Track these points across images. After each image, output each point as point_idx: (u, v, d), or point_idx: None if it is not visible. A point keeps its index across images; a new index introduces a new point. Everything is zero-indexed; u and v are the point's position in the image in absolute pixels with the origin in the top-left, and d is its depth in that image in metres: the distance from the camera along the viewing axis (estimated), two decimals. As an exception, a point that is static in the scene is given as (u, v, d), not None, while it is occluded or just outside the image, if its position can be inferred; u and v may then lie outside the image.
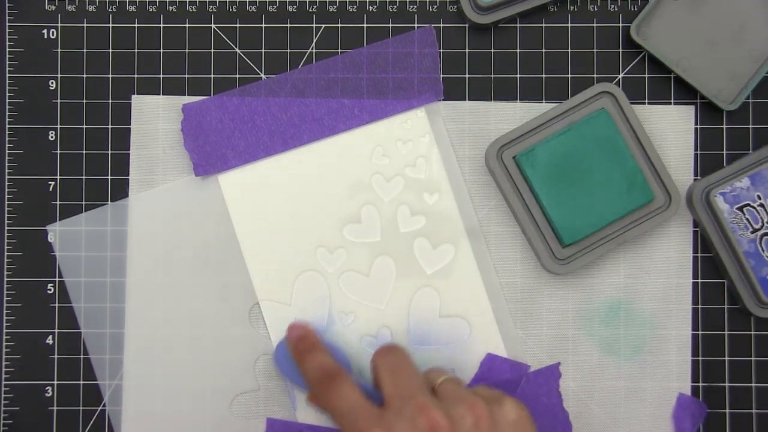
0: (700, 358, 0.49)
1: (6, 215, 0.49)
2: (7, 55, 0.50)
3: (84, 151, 0.49)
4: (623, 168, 0.46)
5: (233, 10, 0.50)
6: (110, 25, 0.50)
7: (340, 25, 0.50)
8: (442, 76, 0.49)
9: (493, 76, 0.50)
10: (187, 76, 0.50)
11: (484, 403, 0.39)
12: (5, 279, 0.49)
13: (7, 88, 0.50)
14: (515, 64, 0.50)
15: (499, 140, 0.47)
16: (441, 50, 0.50)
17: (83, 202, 0.49)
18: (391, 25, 0.50)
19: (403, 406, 0.39)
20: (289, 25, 0.50)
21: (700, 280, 0.49)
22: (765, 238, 0.47)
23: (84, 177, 0.49)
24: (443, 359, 0.48)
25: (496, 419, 0.39)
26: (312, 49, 0.50)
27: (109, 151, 0.49)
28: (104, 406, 0.49)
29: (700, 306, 0.49)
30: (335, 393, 0.41)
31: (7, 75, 0.50)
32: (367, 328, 0.49)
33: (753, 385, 0.49)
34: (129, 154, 0.49)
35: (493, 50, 0.50)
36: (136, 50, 0.50)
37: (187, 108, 0.49)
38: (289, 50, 0.50)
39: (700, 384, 0.49)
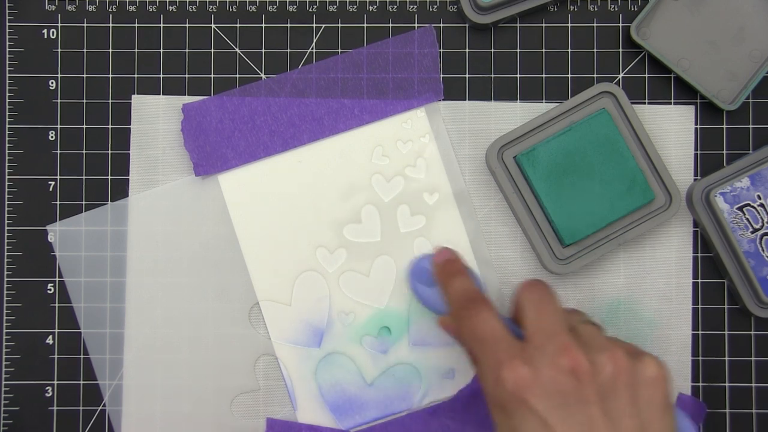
0: (700, 358, 0.49)
1: (6, 215, 0.49)
2: (7, 55, 0.50)
3: (84, 151, 0.49)
4: (624, 168, 0.46)
5: (233, 10, 0.50)
6: (110, 25, 0.50)
7: (340, 25, 0.50)
8: (442, 76, 0.49)
9: (493, 76, 0.50)
10: (187, 76, 0.50)
11: (625, 354, 0.38)
12: (5, 279, 0.49)
13: (7, 88, 0.50)
14: (515, 64, 0.50)
15: (499, 140, 0.47)
16: (441, 50, 0.50)
17: (83, 202, 0.49)
18: (391, 25, 0.50)
19: (545, 342, 0.38)
20: (289, 25, 0.50)
21: (700, 280, 0.49)
22: (765, 238, 0.47)
23: (84, 177, 0.49)
24: (443, 359, 0.48)
25: (635, 373, 0.38)
26: (312, 49, 0.50)
27: (109, 151, 0.49)
28: (104, 406, 0.49)
29: (700, 306, 0.49)
30: (478, 319, 0.40)
31: (7, 75, 0.50)
32: (367, 328, 0.49)
33: (753, 385, 0.49)
34: (129, 154, 0.49)
35: (493, 50, 0.50)
36: (136, 50, 0.50)
37: (187, 108, 0.49)
38: (289, 50, 0.50)
39: (700, 384, 0.49)
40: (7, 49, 0.50)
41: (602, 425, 0.36)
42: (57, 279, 0.49)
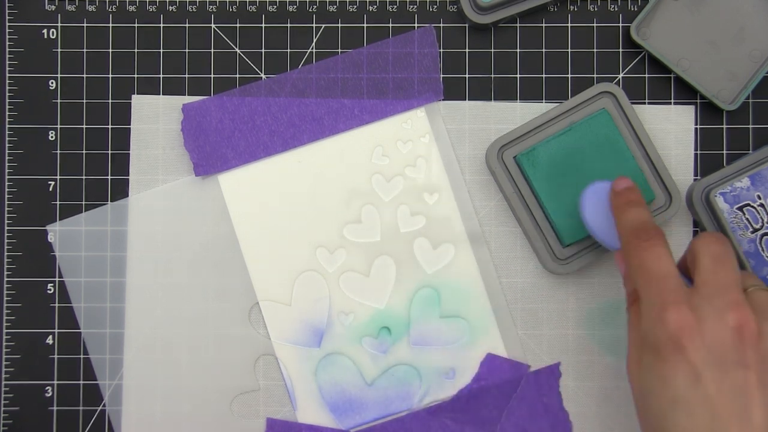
0: (700, 358, 0.49)
1: (6, 215, 0.49)
2: (7, 55, 0.50)
3: (84, 151, 0.49)
4: (624, 168, 0.46)
5: (233, 10, 0.50)
6: (110, 25, 0.50)
7: (340, 25, 0.50)
8: (442, 76, 0.49)
9: (493, 76, 0.50)
10: (187, 76, 0.50)
11: None
12: (5, 279, 0.49)
13: (7, 88, 0.50)
14: (515, 64, 0.50)
15: (499, 140, 0.47)
16: (441, 50, 0.50)
17: (83, 202, 0.49)
18: (391, 25, 0.50)
19: (715, 295, 0.37)
20: (289, 25, 0.50)
21: (700, 280, 0.49)
22: (765, 238, 0.47)
23: (84, 177, 0.49)
24: (443, 359, 0.49)
25: None
26: (312, 49, 0.50)
27: (109, 151, 0.49)
28: (104, 406, 0.49)
29: (700, 306, 0.49)
30: (651, 253, 0.38)
31: (7, 75, 0.50)
32: (367, 328, 0.49)
33: (753, 385, 0.49)
34: (129, 154, 0.49)
35: (493, 50, 0.50)
36: (136, 50, 0.50)
37: (187, 108, 0.49)
38: (289, 50, 0.50)
39: (700, 384, 0.49)
40: (7, 49, 0.50)
41: (756, 393, 0.35)
42: (57, 279, 0.49)
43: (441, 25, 0.50)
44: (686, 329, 0.36)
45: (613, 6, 0.50)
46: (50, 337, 0.49)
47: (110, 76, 0.50)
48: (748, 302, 0.37)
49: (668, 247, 0.39)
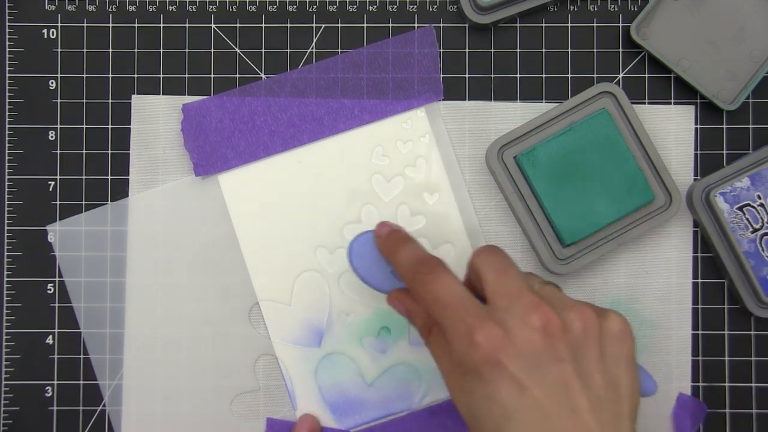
0: (700, 358, 0.49)
1: (6, 215, 0.49)
2: (7, 55, 0.50)
3: (84, 151, 0.49)
4: (624, 168, 0.46)
5: (233, 10, 0.50)
6: (110, 25, 0.50)
7: (340, 25, 0.50)
8: (442, 76, 0.49)
9: (493, 76, 0.50)
10: (187, 76, 0.50)
11: (592, 311, 0.38)
12: (5, 279, 0.49)
13: (7, 88, 0.50)
14: (515, 64, 0.50)
15: (499, 140, 0.47)
16: (441, 50, 0.50)
17: (83, 202, 0.49)
18: (391, 25, 0.50)
19: (511, 303, 0.37)
20: (289, 25, 0.50)
21: (700, 280, 0.49)
22: (765, 238, 0.47)
23: (84, 177, 0.49)
24: (443, 359, 0.48)
25: (602, 330, 0.38)
26: (312, 49, 0.50)
27: (109, 151, 0.49)
28: (104, 406, 0.49)
29: (700, 306, 0.49)
30: (437, 283, 0.38)
31: (7, 75, 0.50)
32: (367, 328, 0.49)
33: (753, 385, 0.49)
34: (129, 154, 0.49)
35: (493, 50, 0.50)
36: (136, 50, 0.50)
37: (187, 108, 0.49)
38: (289, 50, 0.50)
39: (700, 384, 0.49)
40: (7, 49, 0.50)
41: (576, 383, 0.36)
42: (57, 279, 0.49)
43: (441, 25, 0.50)
44: (499, 345, 0.36)
45: (613, 6, 0.50)
46: (50, 337, 0.49)
47: (110, 76, 0.50)
48: (543, 299, 0.38)
49: (452, 271, 0.39)
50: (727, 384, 0.49)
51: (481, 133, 0.49)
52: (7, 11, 0.50)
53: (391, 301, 0.43)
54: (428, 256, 0.40)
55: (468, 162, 0.49)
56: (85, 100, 0.50)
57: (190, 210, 0.49)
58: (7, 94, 0.50)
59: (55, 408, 0.49)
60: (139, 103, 0.49)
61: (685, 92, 0.49)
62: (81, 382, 0.49)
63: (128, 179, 0.49)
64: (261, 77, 0.49)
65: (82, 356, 0.49)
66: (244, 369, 0.49)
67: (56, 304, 0.49)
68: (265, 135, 0.49)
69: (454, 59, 0.50)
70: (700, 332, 0.49)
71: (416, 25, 0.50)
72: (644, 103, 0.49)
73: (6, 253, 0.49)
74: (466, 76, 0.50)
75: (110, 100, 0.50)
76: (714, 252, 0.48)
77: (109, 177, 0.49)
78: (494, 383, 0.36)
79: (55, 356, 0.49)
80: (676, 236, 0.49)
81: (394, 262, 0.42)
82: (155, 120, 0.49)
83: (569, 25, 0.50)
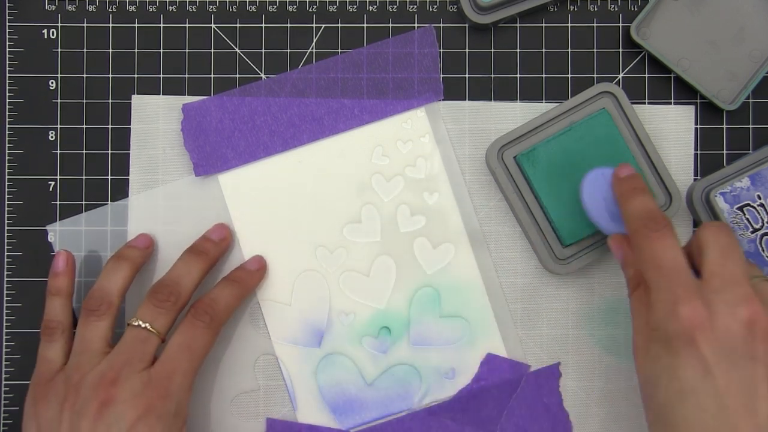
0: (700, 358, 0.49)
1: (6, 215, 0.49)
2: (7, 55, 0.50)
3: (84, 151, 0.49)
4: (623, 168, 0.46)
5: (233, 10, 0.50)
6: (110, 25, 0.50)
7: (340, 25, 0.50)
8: (442, 76, 0.49)
9: (493, 76, 0.50)
10: (187, 76, 0.50)
11: None
12: (5, 279, 0.49)
13: (7, 88, 0.50)
14: (515, 64, 0.50)
15: (499, 140, 0.47)
16: (441, 50, 0.50)
17: (83, 202, 0.49)
18: (391, 25, 0.50)
19: (725, 288, 0.37)
20: (289, 25, 0.50)
21: (700, 280, 0.49)
22: (765, 238, 0.47)
23: (84, 177, 0.49)
24: (443, 359, 0.48)
25: None
26: (312, 49, 0.50)
27: (109, 151, 0.49)
28: (104, 406, 0.49)
29: (700, 306, 0.49)
30: (661, 244, 0.38)
31: (7, 75, 0.50)
32: (367, 328, 0.49)
33: (753, 385, 0.49)
34: (129, 154, 0.49)
35: (493, 50, 0.50)
36: (136, 50, 0.50)
37: (187, 108, 0.49)
38: (289, 50, 0.50)
39: (700, 384, 0.49)
40: (7, 49, 0.50)
41: (764, 386, 0.35)
42: (57, 279, 0.49)
43: (441, 25, 0.50)
44: (699, 323, 0.36)
45: (613, 6, 0.50)
46: (50, 337, 0.49)
47: (110, 76, 0.50)
48: (757, 294, 0.37)
49: (677, 238, 0.39)
50: (727, 384, 0.49)
51: (481, 133, 0.49)
52: (7, 11, 0.50)
53: (612, 242, 0.43)
54: (660, 214, 0.40)
55: (468, 162, 0.49)
56: (85, 100, 0.50)
57: (190, 210, 0.49)
58: (7, 94, 0.50)
59: (55, 408, 0.49)
60: (139, 103, 0.49)
61: (685, 92, 0.49)
62: (81, 382, 0.49)
63: (128, 179, 0.49)
64: (261, 77, 0.49)
65: (82, 356, 0.49)
66: (244, 369, 0.49)
67: (56, 304, 0.49)
68: (265, 135, 0.49)
69: (454, 59, 0.50)
70: (700, 332, 0.49)
71: (416, 25, 0.50)
72: (644, 103, 0.49)
73: (6, 253, 0.49)
74: (466, 76, 0.50)
75: (110, 100, 0.50)
76: (714, 252, 0.48)
77: (109, 177, 0.49)
78: (682, 358, 0.36)
79: (55, 356, 0.49)
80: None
81: (624, 207, 0.41)
82: (155, 120, 0.49)
83: (569, 25, 0.50)
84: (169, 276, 0.45)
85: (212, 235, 0.48)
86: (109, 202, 0.49)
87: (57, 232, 0.49)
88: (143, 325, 0.43)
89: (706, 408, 0.35)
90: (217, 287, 0.46)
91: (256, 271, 0.48)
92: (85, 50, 0.50)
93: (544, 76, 0.50)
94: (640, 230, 0.39)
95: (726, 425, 0.35)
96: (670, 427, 0.36)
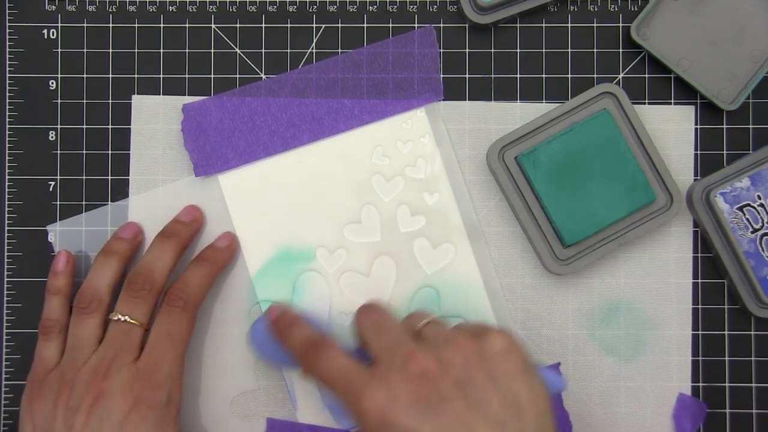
0: (700, 358, 0.49)
1: (6, 215, 0.49)
2: (7, 55, 0.50)
3: (84, 151, 0.49)
4: (625, 168, 0.46)
5: (233, 10, 0.50)
6: (110, 25, 0.50)
7: (340, 25, 0.50)
8: (442, 76, 0.49)
9: (493, 76, 0.50)
10: (187, 76, 0.50)
11: (469, 340, 0.39)
12: (5, 279, 0.49)
13: (7, 88, 0.50)
14: (515, 64, 0.50)
15: (500, 140, 0.47)
16: (441, 50, 0.50)
17: (83, 202, 0.49)
18: (391, 25, 0.50)
19: (391, 358, 0.39)
20: (289, 25, 0.50)
21: (700, 280, 0.49)
22: (765, 238, 0.47)
23: (84, 177, 0.49)
24: (443, 359, 0.48)
25: (484, 353, 0.39)
26: (312, 49, 0.50)
27: (109, 151, 0.49)
28: (104, 406, 0.49)
29: (700, 306, 0.49)
30: (323, 360, 0.40)
31: (7, 75, 0.50)
32: (367, 328, 0.49)
33: (753, 385, 0.49)
34: (129, 154, 0.49)
35: (493, 50, 0.50)
36: (136, 50, 0.50)
37: (187, 108, 0.49)
38: (289, 50, 0.50)
39: (700, 384, 0.49)
40: (7, 49, 0.50)
41: (470, 415, 0.37)
42: (57, 279, 0.49)
43: (441, 25, 0.50)
44: (385, 406, 0.37)
45: (613, 6, 0.50)
46: (50, 337, 0.49)
47: (110, 76, 0.50)
48: (421, 345, 0.39)
49: (336, 347, 0.41)
50: (727, 384, 0.49)
51: (481, 133, 0.49)
52: (7, 11, 0.50)
53: (303, 377, 0.43)
54: (314, 337, 0.42)
55: (468, 162, 0.49)
56: (85, 100, 0.50)
57: (190, 210, 0.49)
58: (7, 94, 0.50)
59: (55, 408, 0.49)
60: (139, 103, 0.49)
61: (685, 92, 0.49)
62: (81, 382, 0.49)
63: (128, 179, 0.49)
64: (261, 77, 0.49)
65: (82, 356, 0.49)
66: (244, 369, 0.49)
67: (56, 304, 0.49)
68: (265, 135, 0.49)
69: (454, 59, 0.50)
70: (700, 332, 0.49)
71: (416, 25, 0.50)
72: (644, 103, 0.49)
73: (6, 253, 0.49)
74: (466, 76, 0.50)
75: (110, 100, 0.50)
76: (714, 252, 0.48)
77: (109, 177, 0.49)
78: None
79: (55, 356, 0.49)
80: (676, 236, 0.49)
81: (285, 346, 0.43)
82: (155, 120, 0.49)
83: (569, 25, 0.50)
84: (142, 264, 0.46)
85: (182, 217, 0.48)
86: (109, 202, 0.49)
87: (57, 232, 0.49)
88: (123, 318, 0.44)
89: None
90: (188, 269, 0.47)
91: (225, 248, 0.48)
92: (85, 50, 0.50)
93: (544, 76, 0.50)
94: (304, 359, 0.41)
95: None
96: None
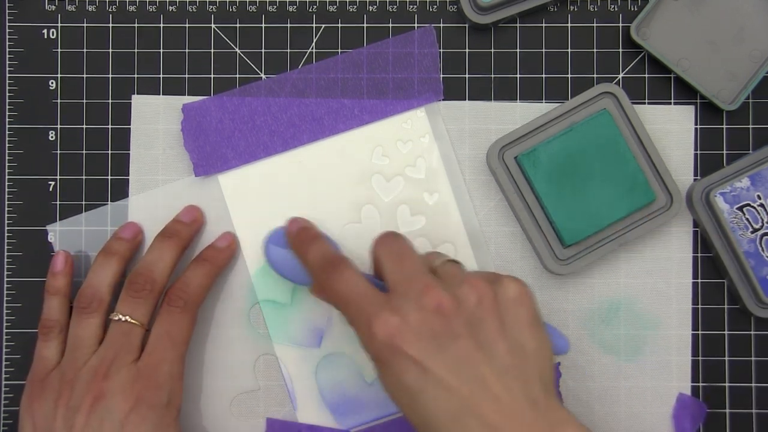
0: (700, 358, 0.49)
1: (6, 215, 0.49)
2: (7, 55, 0.50)
3: (84, 151, 0.49)
4: (625, 168, 0.46)
5: (233, 10, 0.50)
6: (110, 25, 0.50)
7: (340, 25, 0.50)
8: (442, 76, 0.49)
9: (493, 76, 0.50)
10: (187, 76, 0.50)
11: (486, 282, 0.39)
12: (5, 279, 0.49)
13: (7, 88, 0.50)
14: (515, 64, 0.50)
15: (500, 140, 0.47)
16: (441, 50, 0.50)
17: (83, 202, 0.49)
18: (391, 25, 0.50)
19: (407, 288, 0.39)
20: (289, 25, 0.50)
21: (700, 280, 0.49)
22: (765, 238, 0.47)
23: (84, 177, 0.49)
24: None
25: (497, 297, 0.39)
26: (312, 49, 0.50)
27: (109, 151, 0.49)
28: (104, 406, 0.49)
29: (700, 306, 0.49)
30: (339, 280, 0.40)
31: (7, 75, 0.50)
32: (367, 328, 0.49)
33: (753, 385, 0.49)
34: (129, 154, 0.49)
35: (493, 50, 0.50)
36: (136, 50, 0.50)
37: (187, 108, 0.49)
38: (289, 50, 0.50)
39: (700, 384, 0.49)
40: (7, 49, 0.50)
41: (477, 355, 0.37)
42: (57, 279, 0.49)
43: (441, 25, 0.50)
44: (395, 332, 0.37)
45: (613, 6, 0.50)
46: (50, 337, 0.49)
47: (110, 76, 0.50)
48: (438, 280, 0.39)
49: (354, 267, 0.41)
50: (727, 384, 0.49)
51: (481, 133, 0.49)
52: (7, 11, 0.50)
53: (314, 294, 0.44)
54: (333, 255, 0.42)
55: (468, 162, 0.49)
56: (85, 100, 0.50)
57: (190, 210, 0.49)
58: (7, 94, 0.50)
59: (55, 408, 0.49)
60: (139, 103, 0.49)
61: (685, 92, 0.49)
62: (81, 382, 0.49)
63: (128, 179, 0.49)
64: (261, 77, 0.49)
65: (82, 356, 0.49)
66: (244, 369, 0.49)
67: (56, 304, 0.49)
68: (265, 135, 0.49)
69: (454, 59, 0.50)
70: (700, 332, 0.49)
71: (416, 25, 0.50)
72: (644, 103, 0.49)
73: (6, 253, 0.49)
74: (466, 76, 0.50)
75: (110, 100, 0.50)
76: (714, 252, 0.48)
77: (109, 177, 0.49)
78: (397, 367, 0.37)
79: (55, 356, 0.49)
80: (676, 236, 0.49)
81: (303, 260, 0.43)
82: (155, 120, 0.49)
83: (569, 25, 0.50)
84: (143, 264, 0.46)
85: (183, 217, 0.48)
86: (109, 202, 0.49)
87: (57, 232, 0.49)
88: (123, 318, 0.44)
89: (439, 399, 0.37)
90: (188, 269, 0.47)
91: (225, 248, 0.48)
92: (85, 50, 0.50)
93: (544, 76, 0.50)
94: (320, 275, 0.42)
95: (461, 399, 0.36)
96: (427, 428, 0.37)
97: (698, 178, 0.49)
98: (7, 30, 0.50)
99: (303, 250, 0.43)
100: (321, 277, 0.41)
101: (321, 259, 0.42)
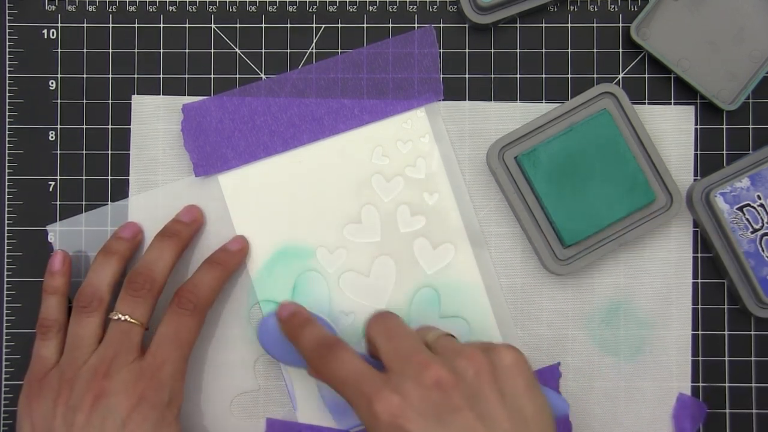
0: (700, 358, 0.49)
1: (6, 215, 0.49)
2: (7, 55, 0.50)
3: (84, 151, 0.49)
4: (625, 169, 0.46)
5: (233, 10, 0.50)
6: (110, 25, 0.50)
7: (340, 25, 0.50)
8: (442, 76, 0.49)
9: (493, 76, 0.50)
10: (187, 76, 0.50)
11: (481, 352, 0.40)
12: (5, 279, 0.49)
13: (7, 88, 0.50)
14: (515, 64, 0.50)
15: (500, 140, 0.47)
16: (441, 50, 0.50)
17: (83, 202, 0.49)
18: (391, 25, 0.50)
19: (404, 366, 0.39)
20: (289, 25, 0.50)
21: (700, 280, 0.49)
22: (765, 238, 0.47)
23: (84, 177, 0.49)
24: (443, 359, 0.48)
25: (494, 366, 0.39)
26: (312, 49, 0.50)
27: (109, 151, 0.49)
28: (104, 406, 0.49)
29: (700, 306, 0.49)
30: (336, 362, 0.40)
31: (7, 75, 0.50)
32: (367, 328, 0.49)
33: (753, 385, 0.49)
34: (129, 154, 0.49)
35: (493, 50, 0.50)
36: (136, 50, 0.50)
37: (187, 108, 0.49)
38: (289, 50, 0.50)
39: (700, 384, 0.49)
40: (7, 49, 0.50)
41: (478, 426, 0.37)
42: (57, 279, 0.49)
43: (441, 25, 0.50)
44: (397, 411, 0.38)
45: (613, 6, 0.50)
46: (50, 337, 0.49)
47: (110, 76, 0.50)
48: (434, 355, 0.40)
49: (350, 348, 0.41)
50: (727, 384, 0.49)
51: (481, 133, 0.49)
52: (7, 11, 0.50)
53: (312, 375, 0.44)
54: (327, 338, 0.42)
55: (468, 162, 0.49)
56: (85, 100, 0.50)
57: (190, 210, 0.49)
58: (7, 94, 0.50)
59: (55, 408, 0.49)
60: (139, 103, 0.49)
61: (685, 92, 0.49)
62: (81, 382, 0.49)
63: (128, 179, 0.49)
64: (261, 77, 0.49)
65: (82, 356, 0.49)
66: (244, 369, 0.49)
67: (56, 304, 0.49)
68: (265, 135, 0.49)
69: (454, 59, 0.50)
70: (700, 332, 0.49)
71: (416, 25, 0.50)
72: (644, 103, 0.49)
73: (6, 253, 0.49)
74: (466, 76, 0.50)
75: (110, 100, 0.50)
76: (714, 252, 0.48)
77: (109, 177, 0.49)
78: None
79: (55, 356, 0.49)
80: (676, 236, 0.49)
81: (297, 346, 0.44)
82: (155, 120, 0.49)
83: (569, 25, 0.50)
84: (142, 263, 0.46)
85: (183, 217, 0.48)
86: (109, 203, 0.49)
87: (57, 232, 0.49)
88: (123, 318, 0.44)
89: None
90: (199, 271, 0.47)
91: (237, 252, 0.48)
92: (85, 50, 0.50)
93: (544, 76, 0.50)
94: (315, 359, 0.42)
95: None
96: None
97: (698, 178, 0.49)
98: (7, 30, 0.50)
99: (296, 334, 0.44)
100: (317, 360, 0.42)
101: (315, 342, 0.42)
